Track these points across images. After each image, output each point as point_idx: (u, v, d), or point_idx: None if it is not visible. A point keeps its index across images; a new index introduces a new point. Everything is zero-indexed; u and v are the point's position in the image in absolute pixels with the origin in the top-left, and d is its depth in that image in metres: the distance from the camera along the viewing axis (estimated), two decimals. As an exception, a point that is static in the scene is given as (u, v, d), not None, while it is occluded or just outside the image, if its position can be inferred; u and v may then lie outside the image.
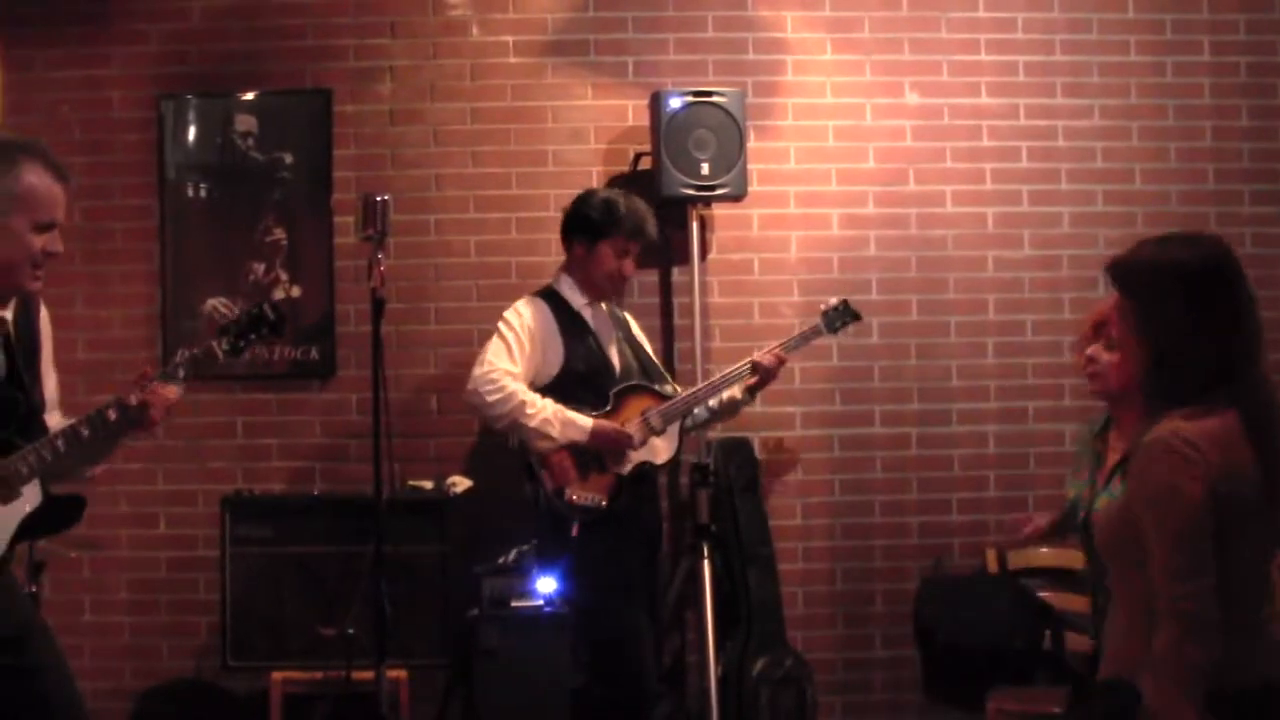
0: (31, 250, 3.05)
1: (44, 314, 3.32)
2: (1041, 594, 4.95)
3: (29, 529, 3.13)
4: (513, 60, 5.42)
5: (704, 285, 5.27)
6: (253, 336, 3.31)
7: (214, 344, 3.27)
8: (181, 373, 3.25)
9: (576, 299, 4.64)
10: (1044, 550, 4.96)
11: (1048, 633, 4.82)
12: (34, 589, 4.14)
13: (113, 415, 3.13)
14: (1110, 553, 2.77)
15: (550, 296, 4.65)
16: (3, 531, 3.05)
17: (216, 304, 5.32)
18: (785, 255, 5.41)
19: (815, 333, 4.81)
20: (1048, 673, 4.80)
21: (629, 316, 4.90)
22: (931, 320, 5.41)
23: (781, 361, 4.69)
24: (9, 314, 3.17)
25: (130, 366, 5.23)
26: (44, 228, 3.06)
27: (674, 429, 4.65)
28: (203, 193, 5.39)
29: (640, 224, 4.61)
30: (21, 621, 3.20)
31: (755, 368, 4.66)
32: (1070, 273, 5.42)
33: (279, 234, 5.35)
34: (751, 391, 4.77)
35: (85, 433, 3.11)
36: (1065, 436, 5.36)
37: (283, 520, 4.92)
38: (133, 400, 3.15)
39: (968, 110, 5.47)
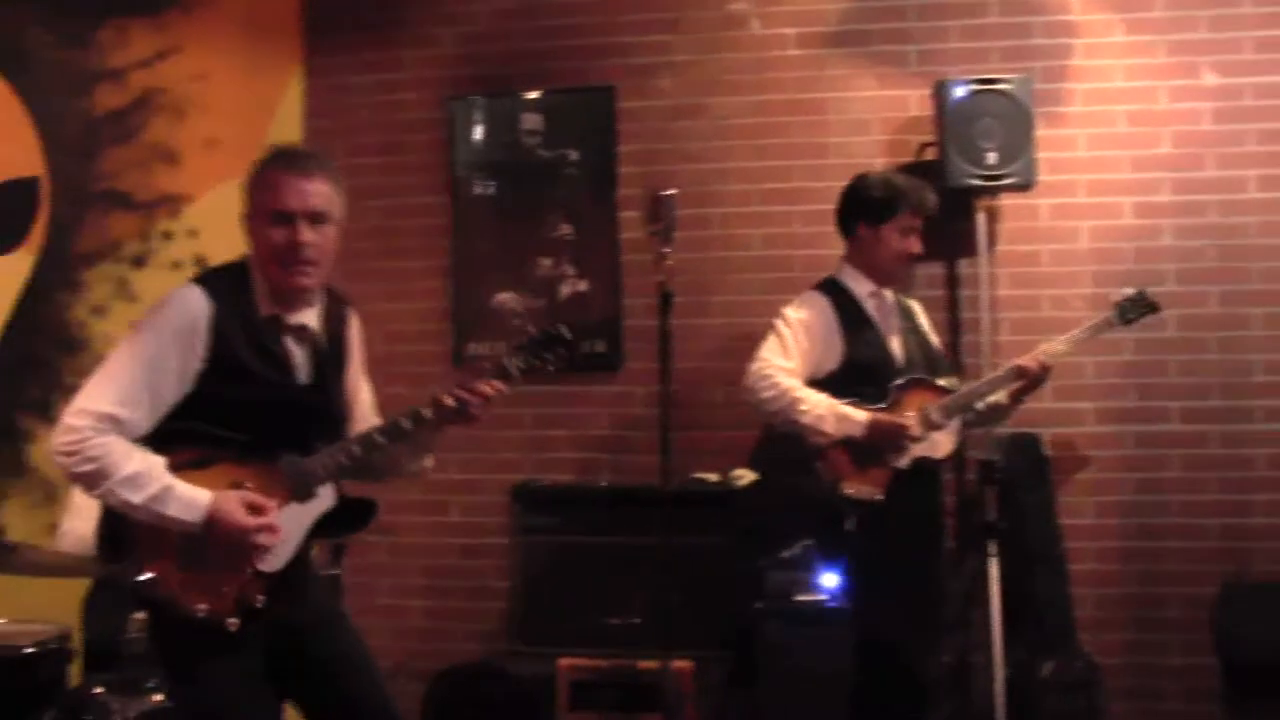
0: (271, 243, 3.11)
1: (355, 325, 3.41)
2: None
3: (322, 528, 3.25)
4: (793, 53, 5.40)
5: (991, 278, 5.13)
6: (548, 356, 3.33)
7: (506, 361, 3.30)
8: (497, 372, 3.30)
9: (861, 288, 4.54)
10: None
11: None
12: (335, 573, 4.30)
13: (407, 424, 3.21)
14: None
15: (831, 288, 4.57)
16: (299, 529, 3.18)
17: (506, 298, 5.47)
18: (1075, 246, 5.24)
19: (1107, 324, 4.59)
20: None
21: (916, 305, 4.78)
22: (1232, 313, 5.14)
23: (1046, 368, 4.48)
24: (315, 322, 3.25)
25: (423, 360, 5.48)
26: (277, 218, 3.10)
27: (955, 424, 4.53)
28: (491, 190, 5.54)
29: (923, 197, 4.50)
30: (319, 611, 3.33)
31: (1020, 373, 4.48)
32: (1387, 261, 5.10)
33: (566, 229, 5.46)
34: (1017, 397, 4.59)
35: (380, 439, 3.21)
36: (1379, 435, 5.08)
37: (570, 510, 5.04)
38: (447, 401, 3.23)
39: (1271, 89, 5.18)
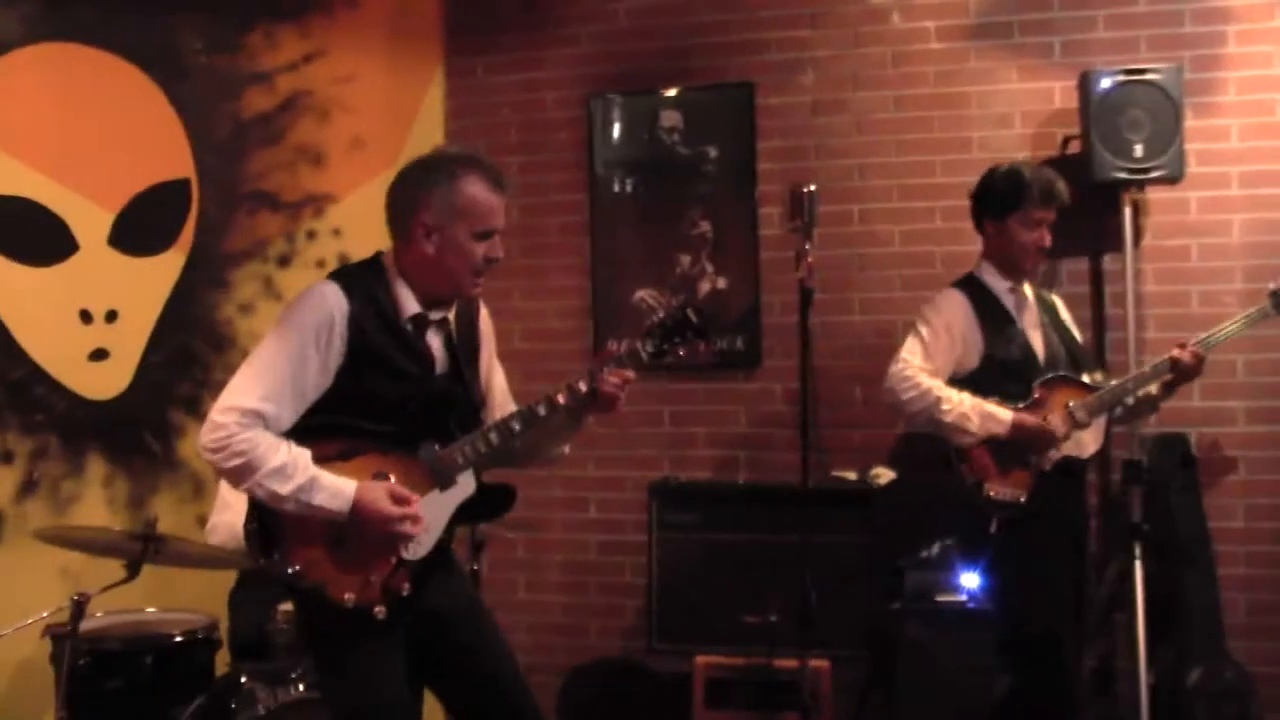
0: (473, 258, 3.19)
1: (484, 314, 3.48)
2: None
3: (464, 515, 3.30)
4: (935, 46, 5.33)
5: (1137, 273, 5.02)
6: (677, 340, 3.30)
7: (638, 346, 3.30)
8: (623, 363, 3.30)
9: (998, 284, 4.46)
10: None
11: None
12: (474, 567, 4.35)
13: (542, 411, 3.25)
14: None
15: (970, 284, 4.50)
16: (441, 516, 3.24)
17: (645, 296, 5.49)
18: (1227, 240, 5.07)
19: (1261, 315, 4.45)
20: None
21: (1057, 300, 4.68)
22: (1395, 309, 4.97)
23: (1200, 359, 4.35)
24: (451, 314, 3.32)
25: (564, 356, 5.52)
26: (482, 235, 3.19)
27: (1100, 421, 4.43)
28: (630, 188, 5.58)
29: (1048, 188, 4.37)
30: (462, 599, 3.39)
31: (1174, 365, 4.35)
32: None
33: (705, 226, 5.47)
34: (1169, 388, 4.46)
35: (516, 426, 3.25)
36: None
37: (708, 507, 5.05)
38: (581, 387, 3.25)
39: None
